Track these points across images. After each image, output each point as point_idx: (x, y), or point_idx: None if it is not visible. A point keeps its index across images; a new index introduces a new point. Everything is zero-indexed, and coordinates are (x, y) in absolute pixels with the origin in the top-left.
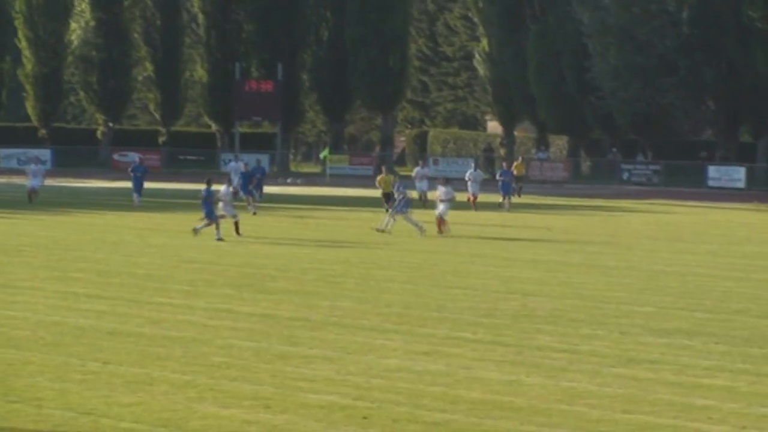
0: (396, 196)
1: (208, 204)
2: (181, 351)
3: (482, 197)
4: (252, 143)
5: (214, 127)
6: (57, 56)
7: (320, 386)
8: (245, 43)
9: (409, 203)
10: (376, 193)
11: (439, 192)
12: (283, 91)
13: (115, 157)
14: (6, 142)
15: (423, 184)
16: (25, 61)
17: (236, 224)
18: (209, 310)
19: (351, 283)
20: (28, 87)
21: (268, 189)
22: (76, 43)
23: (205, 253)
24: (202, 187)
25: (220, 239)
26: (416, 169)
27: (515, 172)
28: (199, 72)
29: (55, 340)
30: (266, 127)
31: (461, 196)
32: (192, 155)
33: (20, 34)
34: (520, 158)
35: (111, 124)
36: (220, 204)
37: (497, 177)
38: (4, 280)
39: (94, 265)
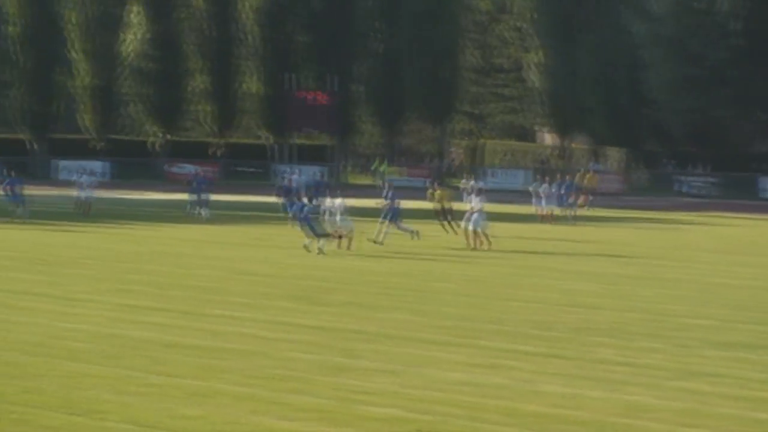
0: (385, 204)
1: (308, 219)
2: (241, 363)
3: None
4: (307, 155)
5: (268, 139)
6: (111, 68)
7: (380, 399)
8: (299, 55)
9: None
10: (432, 204)
11: (473, 203)
12: (337, 102)
13: (171, 169)
14: (62, 154)
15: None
16: (79, 73)
17: (342, 237)
18: (268, 323)
19: (409, 295)
20: (82, 99)
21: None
22: (130, 54)
23: (263, 266)
24: (263, 198)
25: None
26: (466, 182)
27: (587, 185)
28: (253, 84)
29: (115, 352)
30: (321, 139)
31: (520, 209)
32: (247, 167)
33: (74, 45)
34: (590, 171)
35: (166, 136)
36: (336, 217)
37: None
38: (63, 293)
39: (153, 277)
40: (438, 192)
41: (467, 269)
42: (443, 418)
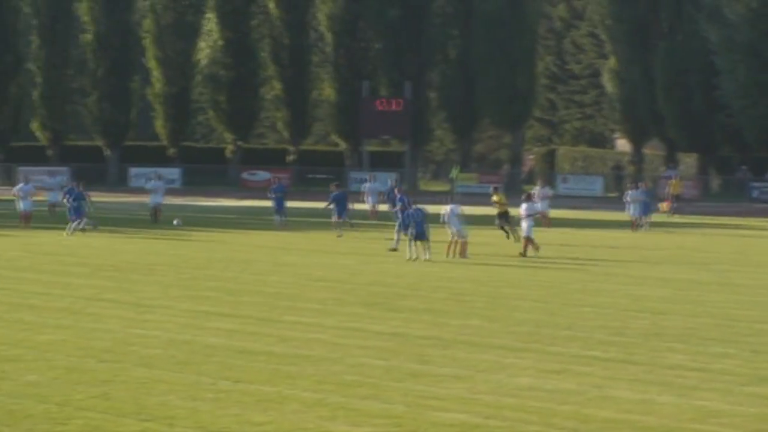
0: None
1: (420, 224)
2: (312, 369)
3: (614, 216)
4: (380, 162)
5: (342, 145)
6: (185, 75)
7: (451, 405)
8: (373, 62)
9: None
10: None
11: (522, 209)
12: (411, 109)
13: (244, 175)
14: (136, 160)
15: (543, 204)
16: (153, 80)
17: (464, 245)
18: (340, 329)
19: (481, 301)
20: (157, 106)
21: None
22: (204, 62)
23: (334, 272)
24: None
25: (427, 259)
26: (536, 189)
27: (672, 191)
28: (327, 91)
29: (186, 358)
30: (394, 146)
31: (593, 215)
32: (320, 174)
33: (149, 53)
34: (674, 177)
35: (239, 143)
36: (453, 223)
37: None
38: (135, 299)
39: (225, 283)
40: (495, 197)
41: (538, 275)
42: (514, 424)
